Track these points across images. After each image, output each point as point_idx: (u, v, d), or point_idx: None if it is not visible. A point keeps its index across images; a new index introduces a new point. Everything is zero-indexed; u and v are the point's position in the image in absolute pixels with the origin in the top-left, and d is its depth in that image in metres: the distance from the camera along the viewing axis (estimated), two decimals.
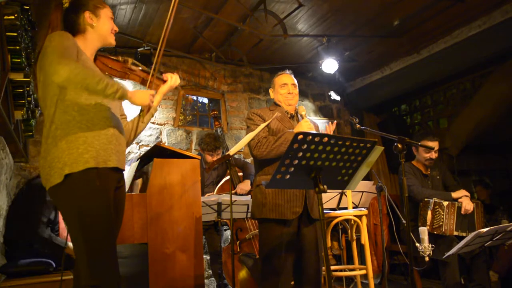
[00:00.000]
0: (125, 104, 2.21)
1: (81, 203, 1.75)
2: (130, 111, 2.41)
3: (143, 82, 2.15)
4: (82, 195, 1.75)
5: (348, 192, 3.80)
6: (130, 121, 2.25)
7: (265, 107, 2.88)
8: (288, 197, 2.51)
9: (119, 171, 1.95)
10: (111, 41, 2.05)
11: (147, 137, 5.07)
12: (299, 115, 2.78)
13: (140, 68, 2.12)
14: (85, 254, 1.73)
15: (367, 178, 4.65)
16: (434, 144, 3.89)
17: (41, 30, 3.06)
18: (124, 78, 2.10)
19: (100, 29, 1.99)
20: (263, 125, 2.56)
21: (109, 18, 2.02)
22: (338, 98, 6.53)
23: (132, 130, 2.22)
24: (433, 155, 3.95)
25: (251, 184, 4.07)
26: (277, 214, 2.49)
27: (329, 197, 3.89)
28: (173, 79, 2.18)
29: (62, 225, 3.49)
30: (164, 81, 2.18)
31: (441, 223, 3.59)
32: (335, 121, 2.70)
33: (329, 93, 6.56)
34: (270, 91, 2.91)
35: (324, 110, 6.69)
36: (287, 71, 2.90)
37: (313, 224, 2.61)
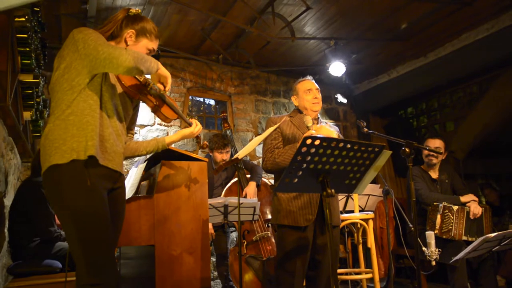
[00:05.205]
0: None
1: (75, 199, 1.70)
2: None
3: (154, 109, 2.09)
4: (78, 189, 1.71)
5: (355, 195, 3.80)
6: (134, 142, 2.23)
7: (285, 115, 2.83)
8: (302, 204, 2.55)
9: (113, 171, 1.89)
10: None
11: None
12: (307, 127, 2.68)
13: (159, 95, 2.06)
14: (81, 252, 1.69)
15: (373, 181, 4.62)
16: (435, 143, 3.90)
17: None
18: (135, 98, 2.05)
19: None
20: (271, 129, 2.56)
21: (145, 49, 2.02)
22: (344, 100, 6.52)
23: (131, 150, 2.20)
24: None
25: (258, 186, 4.09)
26: (290, 221, 2.55)
27: None
28: (197, 127, 2.32)
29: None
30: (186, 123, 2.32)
31: (450, 227, 3.57)
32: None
33: (336, 96, 6.55)
34: (293, 98, 2.85)
35: (330, 113, 6.69)
36: (308, 77, 2.86)
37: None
